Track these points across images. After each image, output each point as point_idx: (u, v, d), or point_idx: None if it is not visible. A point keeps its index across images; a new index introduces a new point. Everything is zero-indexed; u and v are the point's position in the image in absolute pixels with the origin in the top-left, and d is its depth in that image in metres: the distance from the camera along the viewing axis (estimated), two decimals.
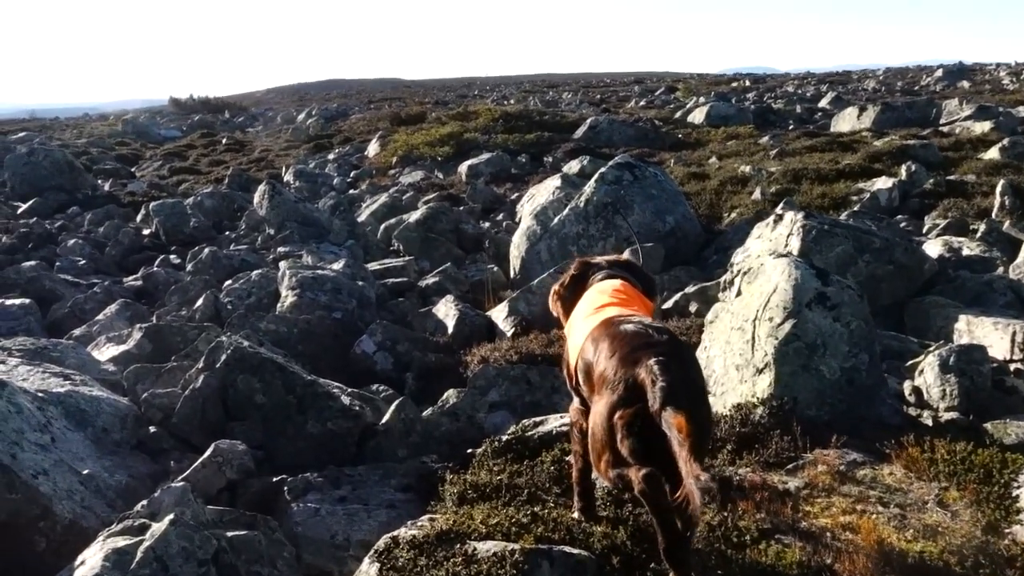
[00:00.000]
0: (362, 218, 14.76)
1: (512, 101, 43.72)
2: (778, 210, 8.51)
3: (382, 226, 13.96)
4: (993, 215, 9.73)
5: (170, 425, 5.23)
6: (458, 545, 3.34)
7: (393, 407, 5.68)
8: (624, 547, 3.60)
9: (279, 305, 8.36)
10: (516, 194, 16.01)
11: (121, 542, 3.22)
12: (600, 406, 3.04)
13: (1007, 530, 3.68)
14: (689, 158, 17.59)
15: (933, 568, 3.31)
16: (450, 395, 6.34)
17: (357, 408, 5.40)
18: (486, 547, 3.27)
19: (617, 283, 4.04)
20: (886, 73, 63.91)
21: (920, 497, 4.05)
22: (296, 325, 7.69)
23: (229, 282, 9.77)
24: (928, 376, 5.60)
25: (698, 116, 23.84)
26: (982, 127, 18.84)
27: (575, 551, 3.33)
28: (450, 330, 8.12)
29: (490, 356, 7.06)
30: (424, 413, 6.00)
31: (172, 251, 13.15)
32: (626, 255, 4.63)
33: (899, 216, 10.93)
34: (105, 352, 7.46)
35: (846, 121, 21.88)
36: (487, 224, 14.21)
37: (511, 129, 20.93)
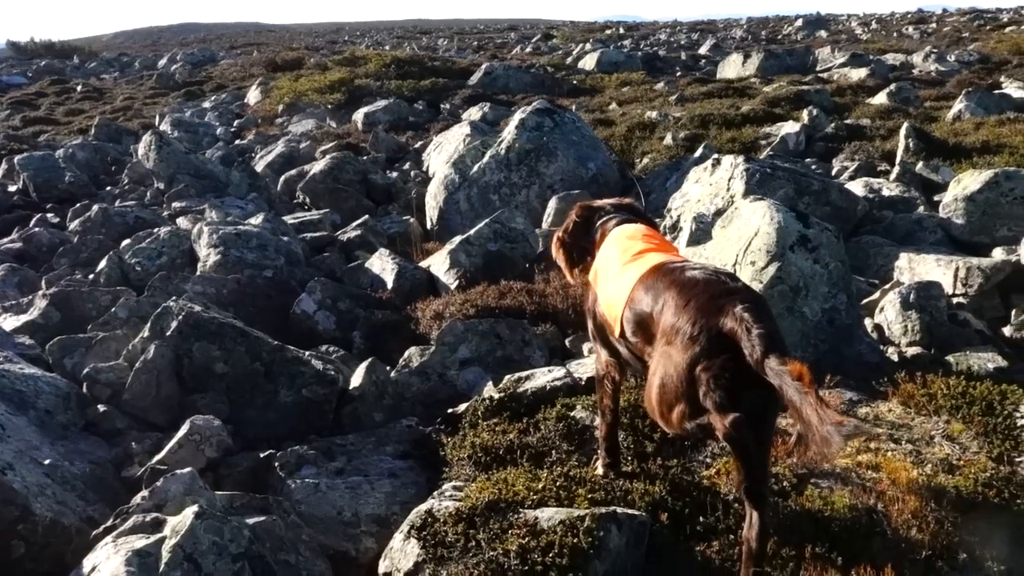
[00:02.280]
0: (258, 169, 13.88)
1: (387, 48, 42.34)
2: (715, 155, 8.53)
3: (282, 178, 13.19)
4: (899, 157, 10.16)
5: (121, 403, 4.67)
6: (512, 515, 3.12)
7: (363, 369, 5.33)
8: (666, 503, 3.49)
9: (200, 265, 7.70)
10: (420, 142, 15.48)
11: (138, 542, 2.79)
12: (676, 357, 2.87)
13: (1017, 459, 3.81)
14: (590, 104, 17.53)
15: (971, 501, 3.37)
16: (412, 353, 6.01)
17: (332, 373, 5.02)
18: (547, 515, 3.07)
19: (641, 227, 3.86)
20: (749, 22, 66.14)
21: (926, 432, 4.15)
22: (225, 286, 7.10)
23: (127, 242, 8.93)
24: (889, 313, 5.77)
25: (589, 63, 23.81)
26: (858, 74, 19.75)
27: (636, 513, 3.18)
28: (390, 285, 7.74)
29: (444, 311, 6.76)
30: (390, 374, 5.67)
31: (48, 209, 11.94)
32: (628, 199, 4.44)
33: (808, 159, 11.26)
34: (4, 323, 6.65)
35: (731, 68, 22.43)
36: (395, 174, 13.67)
37: (404, 75, 20.20)
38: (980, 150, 10.14)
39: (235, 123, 19.39)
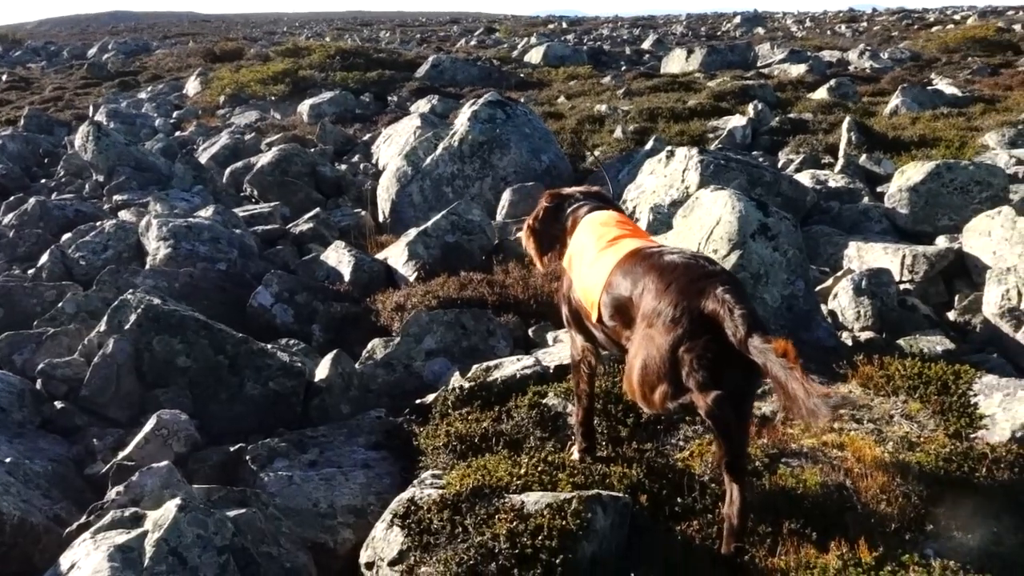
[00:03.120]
0: (202, 161, 13.56)
1: (328, 39, 41.75)
2: (668, 148, 8.65)
3: (228, 170, 12.91)
4: (842, 150, 10.47)
5: (79, 399, 4.52)
6: (497, 500, 3.13)
7: (329, 361, 5.27)
8: (644, 485, 3.54)
9: (150, 258, 7.49)
10: (368, 135, 15.35)
11: (119, 538, 2.71)
12: (658, 339, 2.92)
13: (973, 435, 3.97)
14: (538, 98, 17.60)
15: (935, 475, 3.51)
16: (376, 345, 5.97)
17: (299, 365, 4.95)
18: (533, 499, 3.09)
19: (614, 214, 3.91)
20: (688, 19, 67.19)
21: (886, 412, 4.30)
22: (177, 279, 6.93)
23: (68, 236, 8.64)
24: (842, 299, 5.95)
25: (535, 56, 23.88)
26: (798, 70, 20.25)
27: (619, 495, 3.22)
28: (347, 277, 7.65)
29: (405, 303, 6.72)
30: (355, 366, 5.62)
31: None
32: (596, 188, 4.48)
33: (754, 152, 11.51)
34: None
35: (675, 63, 22.75)
36: (344, 167, 13.51)
37: (349, 67, 19.94)
38: (918, 143, 10.52)
39: (174, 114, 18.90)
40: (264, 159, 12.32)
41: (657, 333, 2.96)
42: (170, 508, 2.80)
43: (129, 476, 3.67)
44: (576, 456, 3.86)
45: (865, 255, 6.83)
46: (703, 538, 3.24)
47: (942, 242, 6.87)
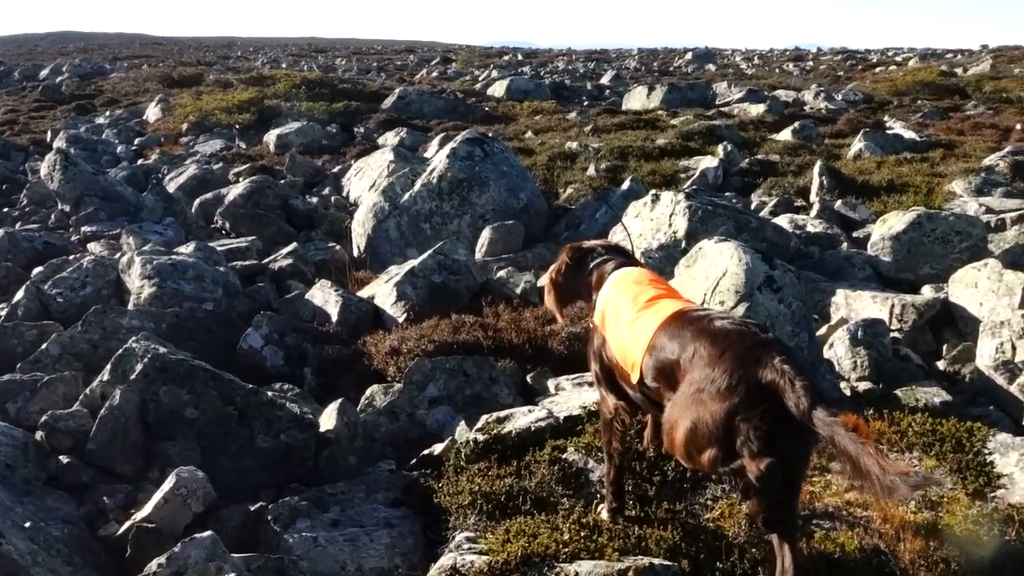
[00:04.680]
0: (169, 191, 13.28)
1: (284, 66, 41.49)
2: (653, 191, 8.76)
3: (197, 201, 12.68)
4: (814, 194, 10.73)
5: (86, 453, 4.34)
6: (547, 570, 3.08)
7: (335, 410, 5.15)
8: (680, 549, 3.53)
9: (133, 297, 7.27)
10: (337, 166, 15.24)
11: None
12: (712, 406, 2.92)
13: (991, 495, 4.06)
14: (506, 132, 17.70)
15: (967, 539, 3.56)
16: (376, 392, 5.87)
17: (310, 417, 4.83)
18: (585, 569, 3.05)
19: (645, 271, 3.93)
20: (640, 53, 68.57)
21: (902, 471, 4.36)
22: (163, 320, 6.74)
23: (40, 269, 8.36)
24: (839, 349, 6.06)
25: (498, 90, 24.07)
26: (757, 109, 20.77)
27: (669, 563, 3.20)
28: (334, 318, 7.53)
29: (400, 346, 6.64)
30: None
31: None
32: (615, 240, 4.51)
33: (726, 193, 11.73)
34: None
35: (636, 99, 23.15)
36: (315, 199, 13.37)
37: (315, 97, 19.84)
38: (887, 188, 10.85)
39: (136, 141, 18.51)
40: (235, 191, 12.13)
41: (710, 398, 2.96)
42: None
43: (149, 538, 3.53)
44: (606, 516, 3.83)
45: (853, 303, 6.98)
46: None
47: (928, 291, 7.07)
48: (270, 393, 5.21)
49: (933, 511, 3.92)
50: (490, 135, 12.83)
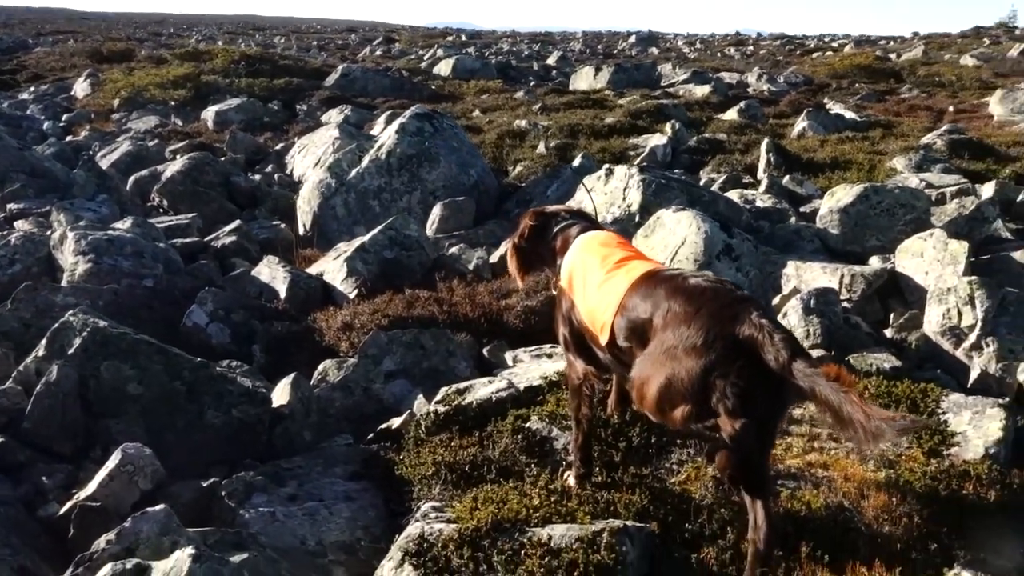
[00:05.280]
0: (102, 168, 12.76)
1: (220, 43, 40.30)
2: (606, 166, 8.72)
3: (131, 178, 12.20)
4: (762, 170, 10.84)
5: (22, 432, 4.09)
6: (519, 534, 3.00)
7: (288, 385, 4.99)
8: (649, 512, 3.49)
9: (67, 274, 6.92)
10: (280, 144, 14.85)
11: None
12: (688, 362, 2.88)
13: (946, 453, 4.12)
14: (453, 111, 17.47)
15: (928, 495, 3.61)
16: (329, 367, 5.71)
17: (263, 391, 4.65)
18: (559, 532, 2.98)
19: (612, 234, 3.87)
20: (585, 36, 68.62)
21: None
22: (101, 297, 6.44)
23: None
24: (792, 318, 6.10)
25: (444, 68, 23.78)
26: (702, 90, 20.95)
27: (642, 524, 3.16)
28: (283, 295, 7.31)
29: (353, 321, 6.48)
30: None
31: None
32: (579, 207, 4.44)
33: (675, 170, 11.77)
34: None
35: (583, 79, 23.13)
36: (258, 177, 13.01)
37: (255, 73, 19.28)
38: (831, 165, 11.02)
39: (64, 117, 17.74)
40: (174, 167, 11.72)
41: (685, 355, 2.91)
42: (182, 558, 2.53)
43: (94, 517, 3.35)
44: (573, 482, 3.77)
45: (804, 274, 7.04)
46: (720, 565, 3.21)
47: (875, 262, 7.18)
48: (219, 367, 5.01)
49: (891, 469, 3.97)
50: (436, 110, 12.63)
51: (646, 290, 3.21)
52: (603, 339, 3.40)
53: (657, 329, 3.08)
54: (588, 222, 4.10)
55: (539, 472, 3.82)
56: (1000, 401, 4.35)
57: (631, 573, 2.92)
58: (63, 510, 3.49)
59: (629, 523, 3.09)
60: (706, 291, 3.02)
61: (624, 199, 7.86)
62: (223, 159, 13.50)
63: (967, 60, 30.01)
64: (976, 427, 4.18)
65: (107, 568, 2.65)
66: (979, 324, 5.57)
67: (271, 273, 7.62)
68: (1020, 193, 9.20)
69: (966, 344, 5.63)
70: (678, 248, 5.37)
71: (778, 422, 3.08)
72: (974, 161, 11.25)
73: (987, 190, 8.95)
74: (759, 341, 2.77)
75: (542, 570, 2.74)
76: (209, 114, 16.61)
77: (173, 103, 17.94)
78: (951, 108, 18.20)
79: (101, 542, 2.89)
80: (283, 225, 10.56)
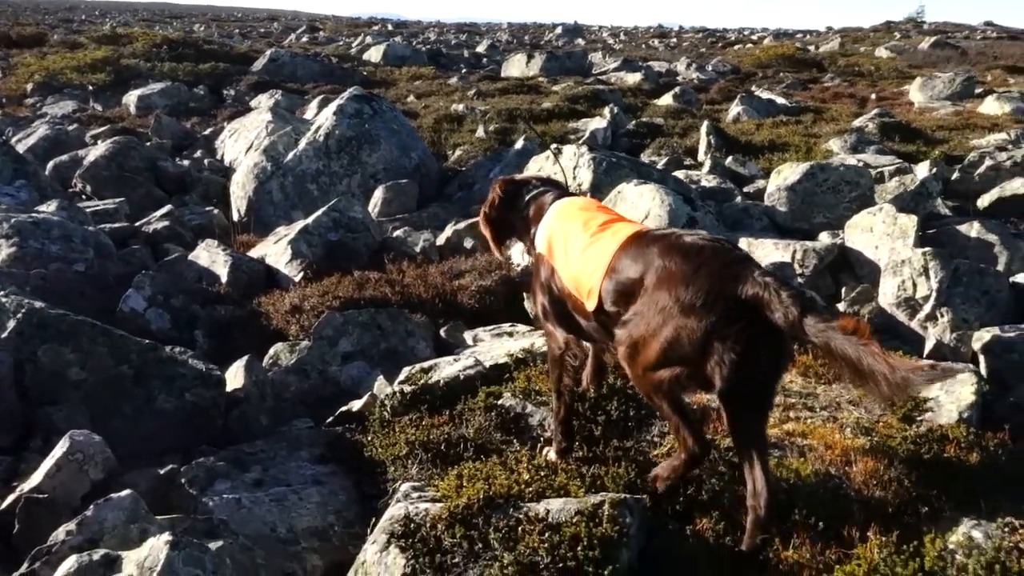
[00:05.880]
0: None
1: (136, 30, 38.70)
2: (554, 146, 8.61)
3: (51, 163, 11.54)
4: (703, 152, 10.91)
5: None
6: (514, 510, 2.85)
7: (241, 368, 4.71)
8: (637, 485, 3.38)
9: None
10: (208, 129, 14.29)
11: None
12: (687, 323, 2.76)
13: (919, 418, 4.14)
14: (387, 96, 17.12)
15: (911, 459, 3.60)
16: (280, 350, 5.45)
17: (217, 373, 4.36)
18: (556, 506, 2.83)
19: (590, 199, 3.75)
20: (511, 27, 68.57)
21: (832, 400, 4.40)
22: (28, 282, 6.00)
23: None
24: None
25: (375, 55, 23.34)
26: (633, 77, 21.09)
27: (640, 496, 3.04)
28: (224, 279, 6.97)
29: (302, 304, 6.21)
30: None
31: None
32: (548, 175, 4.30)
33: (617, 153, 11.77)
34: None
35: (515, 67, 23.01)
36: (186, 162, 12.46)
37: (178, 57, 18.50)
38: (769, 147, 11.18)
39: None
40: (97, 152, 11.13)
41: (683, 315, 2.79)
42: (158, 546, 2.29)
43: (41, 511, 3.05)
44: (554, 457, 3.63)
45: (756, 251, 7.07)
46: (715, 535, 3.12)
47: (825, 238, 7.26)
48: (168, 348, 4.69)
49: (868, 436, 3.96)
50: (373, 93, 12.33)
51: (636, 251, 3.09)
52: (590, 305, 3.26)
53: (649, 288, 2.95)
54: (560, 190, 3.97)
55: (520, 449, 3.67)
56: (970, 367, 4.40)
57: (633, 545, 2.80)
58: (5, 505, 3.17)
59: (628, 496, 2.97)
60: (704, 249, 2.92)
61: (574, 178, 7.77)
62: (149, 144, 12.92)
63: (882, 52, 31.05)
64: (948, 392, 4.21)
65: (71, 561, 2.38)
66: (933, 295, 5.66)
67: (210, 257, 7.26)
68: (953, 172, 9.49)
69: (921, 315, 5.72)
70: (642, 221, 5.28)
71: (776, 385, 3.01)
72: (904, 143, 11.58)
73: (922, 169, 9.18)
74: (765, 300, 2.67)
75: (545, 545, 2.58)
76: (131, 99, 15.87)
77: (92, 87, 17.07)
78: (873, 96, 18.76)
79: (60, 533, 2.61)
80: (216, 211, 10.13)
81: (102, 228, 8.28)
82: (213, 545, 2.54)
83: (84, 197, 10.63)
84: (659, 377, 2.92)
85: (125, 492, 2.78)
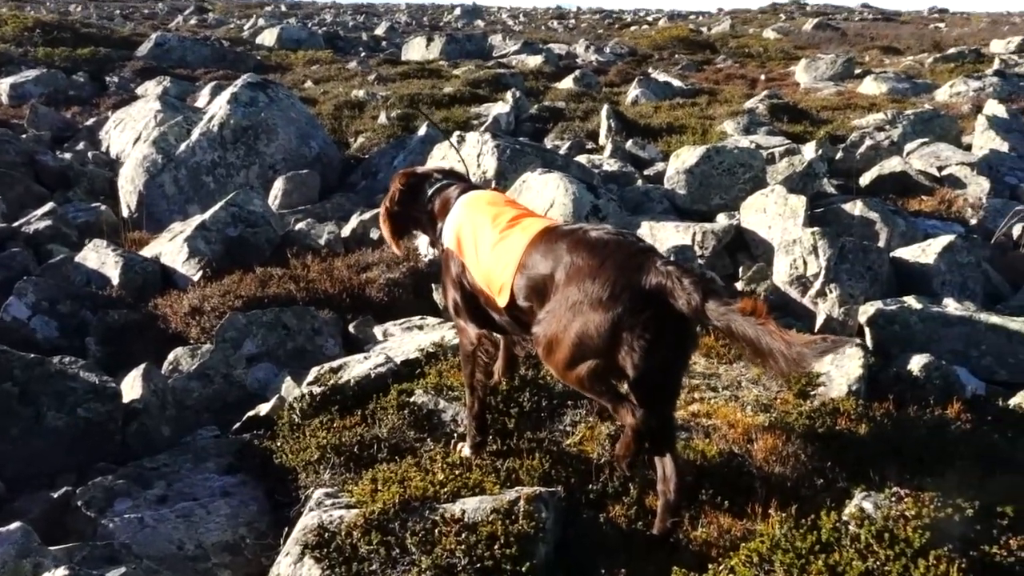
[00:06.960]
0: None
1: (4, 11, 36.27)
2: (457, 133, 8.56)
3: None
4: (603, 136, 11.07)
5: None
6: (430, 512, 2.84)
7: (138, 377, 4.51)
8: (552, 476, 3.43)
9: None
10: (91, 119, 13.57)
11: None
12: (595, 316, 2.81)
13: (813, 392, 4.35)
14: (283, 82, 16.63)
15: (807, 434, 3.78)
16: (180, 355, 5.25)
17: (113, 385, 4.16)
18: (472, 505, 2.84)
19: (498, 193, 3.74)
20: (409, 8, 67.55)
21: (734, 379, 4.57)
22: None
23: None
24: None
25: (269, 38, 22.62)
26: (534, 60, 21.16)
27: (554, 489, 3.08)
28: (115, 281, 6.66)
29: (202, 305, 6.00)
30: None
31: None
32: (451, 167, 4.26)
33: (520, 138, 11.79)
34: None
35: (415, 50, 22.73)
36: (68, 155, 11.80)
37: (53, 42, 17.44)
38: (667, 130, 11.43)
39: None
40: None
41: (592, 309, 2.85)
42: None
43: None
44: (468, 452, 3.65)
45: (658, 233, 7.24)
46: (627, 521, 3.20)
47: (722, 219, 7.49)
48: (56, 360, 4.45)
49: (768, 413, 4.13)
50: (268, 79, 11.96)
51: (546, 246, 3.12)
52: (502, 301, 3.27)
53: (560, 284, 3.00)
54: (465, 182, 3.95)
55: (435, 446, 3.67)
56: (857, 341, 4.63)
57: (550, 539, 2.85)
58: None
59: (542, 489, 3.00)
60: (609, 243, 2.97)
61: (479, 166, 7.75)
62: (25, 136, 12.19)
63: (769, 33, 32.18)
64: (838, 367, 4.43)
65: None
66: (822, 272, 5.93)
67: (99, 258, 6.92)
68: (837, 152, 9.93)
69: (812, 291, 5.98)
70: (547, 211, 5.33)
71: (683, 370, 3.10)
72: (792, 124, 12.04)
73: (809, 150, 9.57)
74: (668, 288, 2.74)
75: (462, 547, 2.59)
76: (3, 87, 14.91)
77: None
78: (763, 77, 19.41)
79: None
80: (104, 207, 9.62)
81: None
82: (115, 573, 2.44)
83: None
84: (578, 372, 2.97)
85: (14, 525, 2.63)
